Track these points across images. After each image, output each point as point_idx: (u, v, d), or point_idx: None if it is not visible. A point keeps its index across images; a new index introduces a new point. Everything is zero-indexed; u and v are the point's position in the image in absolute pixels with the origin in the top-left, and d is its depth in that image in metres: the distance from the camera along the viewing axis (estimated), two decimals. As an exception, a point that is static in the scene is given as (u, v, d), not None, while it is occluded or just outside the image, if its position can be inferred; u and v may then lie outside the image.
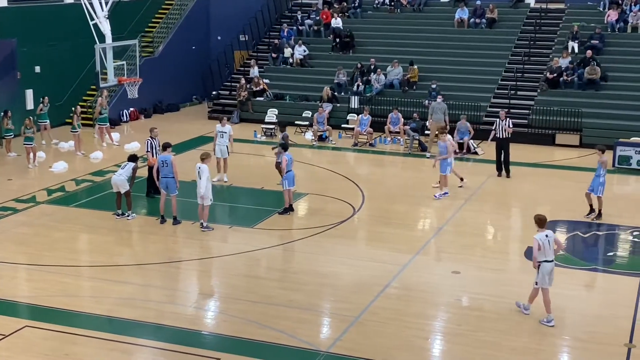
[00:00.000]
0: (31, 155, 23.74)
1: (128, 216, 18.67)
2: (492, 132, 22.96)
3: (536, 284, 13.33)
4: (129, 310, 13.58)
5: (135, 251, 17.24)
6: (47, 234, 17.68)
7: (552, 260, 13.23)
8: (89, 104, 29.44)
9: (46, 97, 26.63)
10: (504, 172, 22.77)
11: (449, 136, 21.64)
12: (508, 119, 23.01)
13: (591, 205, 18.85)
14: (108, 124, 27.55)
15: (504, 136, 22.62)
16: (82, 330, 12.75)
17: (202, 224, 17.85)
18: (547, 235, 13.23)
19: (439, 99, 26.46)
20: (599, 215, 18.75)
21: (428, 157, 25.14)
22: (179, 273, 15.67)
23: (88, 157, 25.02)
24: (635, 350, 12.38)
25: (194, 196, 18.06)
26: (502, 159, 22.77)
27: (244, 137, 27.24)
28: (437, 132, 25.68)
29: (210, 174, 18.18)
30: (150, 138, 20.08)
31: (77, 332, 12.70)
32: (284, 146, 19.46)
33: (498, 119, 22.99)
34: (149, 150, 19.88)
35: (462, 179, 21.66)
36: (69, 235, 17.69)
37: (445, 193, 20.55)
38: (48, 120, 26.71)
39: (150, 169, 19.67)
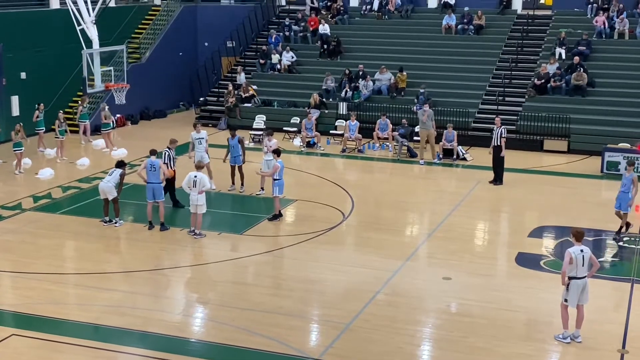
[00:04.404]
0: (20, 161, 23.47)
1: (115, 223, 18.50)
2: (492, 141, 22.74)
3: (565, 301, 12.63)
4: (116, 318, 13.43)
5: (123, 258, 17.05)
6: (34, 241, 17.48)
7: (582, 277, 12.48)
8: (74, 111, 29.11)
9: (41, 104, 26.19)
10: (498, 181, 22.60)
11: (274, 140, 20.77)
12: (503, 127, 22.89)
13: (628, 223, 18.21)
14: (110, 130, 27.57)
15: (498, 143, 22.56)
16: (69, 339, 12.60)
17: (193, 231, 17.74)
18: (582, 251, 12.47)
19: (426, 107, 26.28)
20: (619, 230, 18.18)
21: (422, 164, 25.07)
22: (167, 280, 15.52)
23: (74, 163, 24.79)
24: (628, 355, 12.35)
25: (184, 203, 17.93)
26: (495, 166, 22.71)
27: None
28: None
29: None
30: (167, 149, 19.62)
31: (64, 340, 12.54)
32: (277, 152, 19.25)
33: (495, 126, 22.93)
34: (166, 162, 19.23)
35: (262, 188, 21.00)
36: (55, 243, 17.50)
37: None
38: (44, 128, 26.38)
39: (168, 180, 19.21)
